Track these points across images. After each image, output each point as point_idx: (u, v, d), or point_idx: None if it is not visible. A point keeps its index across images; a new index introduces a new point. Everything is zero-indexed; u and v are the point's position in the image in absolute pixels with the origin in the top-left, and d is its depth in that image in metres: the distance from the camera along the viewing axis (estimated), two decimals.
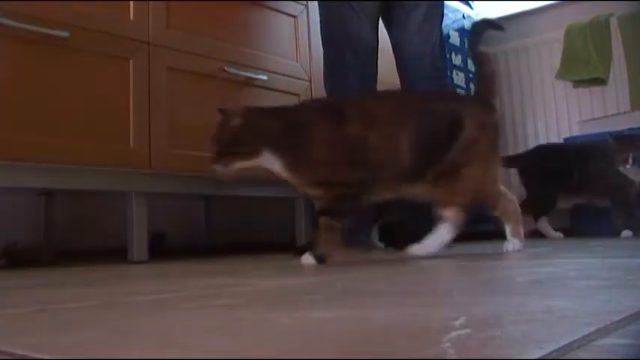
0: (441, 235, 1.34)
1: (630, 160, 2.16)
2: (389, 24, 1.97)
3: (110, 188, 1.69)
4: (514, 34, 3.20)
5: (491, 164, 1.38)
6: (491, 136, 1.38)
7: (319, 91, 2.13)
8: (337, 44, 1.84)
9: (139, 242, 1.68)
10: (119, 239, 1.75)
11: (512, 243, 1.39)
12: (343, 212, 1.30)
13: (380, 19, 1.95)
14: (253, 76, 1.99)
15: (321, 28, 1.92)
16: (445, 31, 2.97)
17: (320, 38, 1.94)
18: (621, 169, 2.19)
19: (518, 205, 1.45)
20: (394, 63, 2.01)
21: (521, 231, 1.42)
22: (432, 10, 1.93)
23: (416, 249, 1.34)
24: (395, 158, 1.30)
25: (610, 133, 2.28)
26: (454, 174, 1.30)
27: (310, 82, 2.21)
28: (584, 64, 2.87)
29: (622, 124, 2.58)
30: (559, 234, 2.42)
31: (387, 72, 2.07)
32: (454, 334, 0.37)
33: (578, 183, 2.33)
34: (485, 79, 1.49)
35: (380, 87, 1.93)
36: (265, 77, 2.03)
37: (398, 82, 2.04)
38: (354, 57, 1.81)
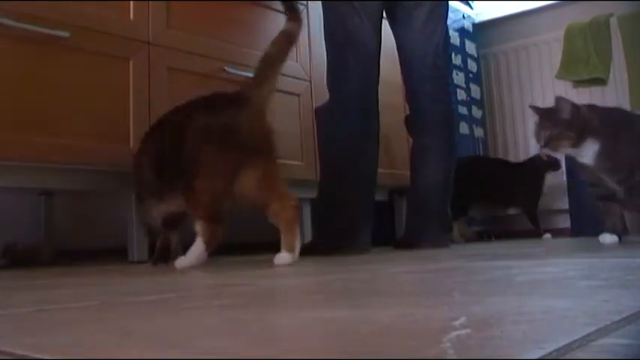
0: (193, 250, 1.26)
1: (542, 142, 1.66)
2: (393, 23, 1.97)
3: (110, 188, 1.69)
4: (514, 34, 3.21)
5: (235, 168, 1.24)
6: (227, 139, 1.23)
7: (319, 90, 2.14)
8: (338, 44, 1.83)
9: (139, 242, 1.68)
10: (119, 239, 1.75)
11: (281, 257, 1.27)
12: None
13: (384, 20, 1.94)
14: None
15: (324, 27, 1.91)
16: None
17: (321, 38, 1.94)
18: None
19: (296, 212, 1.30)
20: (397, 63, 2.01)
21: (295, 242, 1.29)
22: (436, 9, 1.93)
23: (179, 262, 1.26)
24: (145, 176, 1.38)
25: (530, 105, 1.85)
26: (189, 189, 1.25)
27: (310, 82, 2.21)
28: (584, 64, 2.87)
29: None
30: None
31: (390, 73, 2.07)
32: (454, 334, 0.37)
33: None
34: (263, 61, 1.32)
35: (382, 88, 1.93)
36: None
37: (401, 82, 2.04)
38: (355, 58, 1.80)
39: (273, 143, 1.29)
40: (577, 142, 1.62)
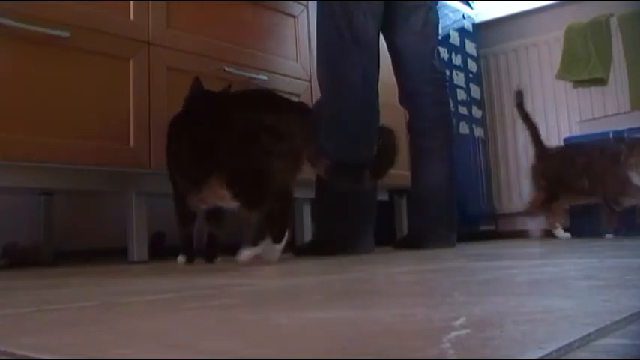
0: None
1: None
2: (390, 26, 1.96)
3: (110, 188, 1.69)
4: (514, 34, 3.21)
5: None
6: None
7: (319, 90, 2.13)
8: (344, 42, 1.82)
9: (139, 242, 1.68)
10: (119, 239, 1.75)
11: None
12: None
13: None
14: (253, 76, 1.99)
15: (323, 25, 1.90)
16: (445, 31, 2.97)
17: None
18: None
19: None
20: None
21: None
22: (430, 12, 1.95)
23: None
24: None
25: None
26: None
27: (310, 82, 2.21)
28: (584, 64, 2.87)
29: (622, 124, 2.58)
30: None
31: (390, 74, 2.06)
32: (454, 334, 0.37)
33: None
34: None
35: (382, 88, 1.92)
36: (265, 77, 2.03)
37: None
38: (360, 56, 1.80)
39: None
40: None
